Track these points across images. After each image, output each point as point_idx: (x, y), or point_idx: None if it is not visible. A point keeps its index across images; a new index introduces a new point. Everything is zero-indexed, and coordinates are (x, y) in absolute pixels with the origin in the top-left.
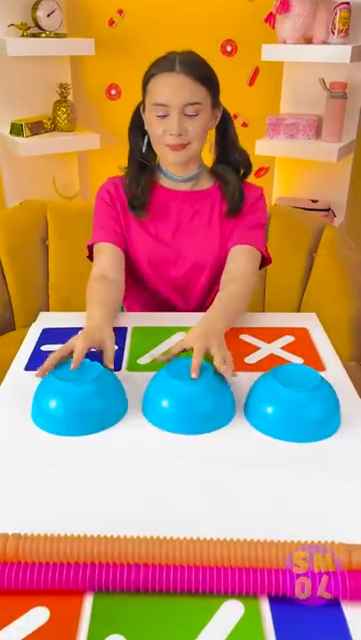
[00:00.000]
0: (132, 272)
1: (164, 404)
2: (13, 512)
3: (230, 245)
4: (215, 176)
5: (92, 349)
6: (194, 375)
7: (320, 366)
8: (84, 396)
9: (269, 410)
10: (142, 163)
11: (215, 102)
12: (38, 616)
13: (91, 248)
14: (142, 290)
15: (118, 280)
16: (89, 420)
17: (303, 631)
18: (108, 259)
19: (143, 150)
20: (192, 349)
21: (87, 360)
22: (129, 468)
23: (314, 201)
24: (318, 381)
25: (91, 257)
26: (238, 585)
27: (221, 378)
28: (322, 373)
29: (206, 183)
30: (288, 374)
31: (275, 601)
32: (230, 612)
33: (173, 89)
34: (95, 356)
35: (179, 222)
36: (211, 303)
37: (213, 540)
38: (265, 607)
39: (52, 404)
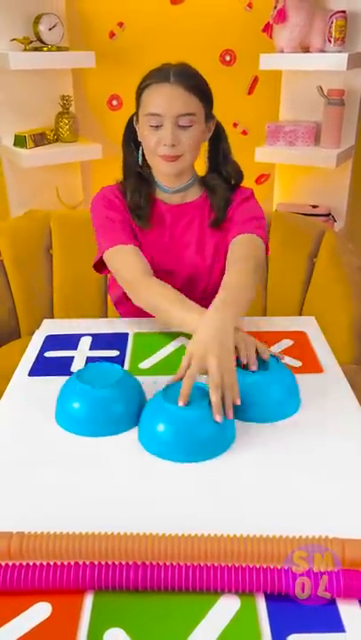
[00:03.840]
0: None
1: (160, 428)
2: (17, 511)
3: (228, 240)
4: (204, 186)
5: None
6: (180, 403)
7: (318, 369)
8: (105, 399)
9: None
10: (140, 173)
11: (209, 115)
12: (41, 611)
13: (100, 257)
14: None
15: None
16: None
17: (298, 626)
18: (139, 259)
19: (139, 162)
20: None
21: (108, 363)
22: (129, 467)
23: (314, 206)
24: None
25: (97, 267)
26: (235, 583)
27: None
28: (320, 376)
29: (195, 194)
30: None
31: (271, 596)
32: (227, 606)
33: (167, 99)
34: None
35: (172, 234)
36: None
37: (211, 535)
38: (261, 602)
39: (76, 405)
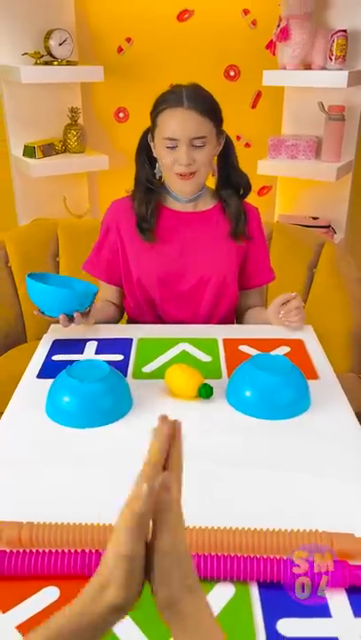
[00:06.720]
0: (142, 290)
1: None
2: (28, 504)
3: (250, 285)
4: (217, 198)
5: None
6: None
7: (314, 375)
8: (95, 393)
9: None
10: (149, 186)
11: (219, 131)
12: (50, 594)
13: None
14: (151, 309)
15: (117, 309)
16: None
17: (288, 611)
18: (105, 294)
19: (158, 176)
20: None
21: (97, 361)
22: (132, 460)
23: (314, 218)
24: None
25: (86, 268)
26: (230, 571)
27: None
28: (315, 382)
29: (208, 204)
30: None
31: (263, 583)
32: (222, 592)
33: (182, 124)
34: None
35: (184, 241)
36: (218, 318)
37: (208, 528)
38: (253, 589)
39: (66, 399)
